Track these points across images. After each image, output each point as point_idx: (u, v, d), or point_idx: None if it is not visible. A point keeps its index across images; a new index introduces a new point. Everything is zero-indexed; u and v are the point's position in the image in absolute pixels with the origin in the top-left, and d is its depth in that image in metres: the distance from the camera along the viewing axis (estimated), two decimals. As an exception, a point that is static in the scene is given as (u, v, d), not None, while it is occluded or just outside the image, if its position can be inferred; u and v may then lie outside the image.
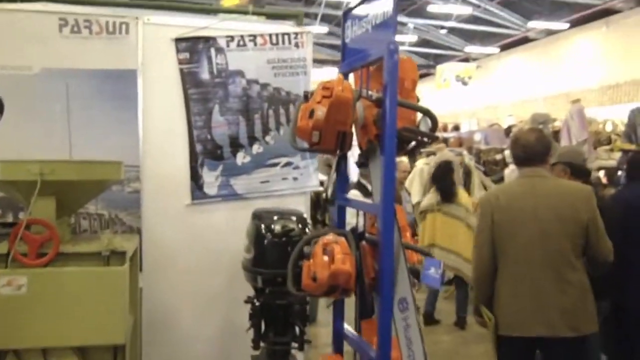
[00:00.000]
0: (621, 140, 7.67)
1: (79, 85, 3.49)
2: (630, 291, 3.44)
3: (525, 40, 19.09)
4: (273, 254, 3.09)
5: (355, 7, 2.60)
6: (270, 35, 3.79)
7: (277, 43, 3.81)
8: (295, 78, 3.85)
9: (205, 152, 3.69)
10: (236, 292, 3.51)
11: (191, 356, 3.76)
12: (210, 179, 3.70)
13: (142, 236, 3.55)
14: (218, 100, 3.70)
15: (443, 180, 6.07)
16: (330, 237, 2.31)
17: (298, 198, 3.89)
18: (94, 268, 2.84)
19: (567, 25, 16.91)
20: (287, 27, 3.93)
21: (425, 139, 2.33)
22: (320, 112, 2.19)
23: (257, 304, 3.13)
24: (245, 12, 4.07)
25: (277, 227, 3.14)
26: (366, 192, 5.11)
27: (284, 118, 3.85)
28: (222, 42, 3.69)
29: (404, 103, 2.23)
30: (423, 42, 20.51)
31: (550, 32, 17.92)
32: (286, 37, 3.83)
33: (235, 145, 3.76)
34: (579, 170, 3.67)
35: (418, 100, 2.45)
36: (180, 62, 3.63)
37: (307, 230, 3.19)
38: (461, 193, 6.15)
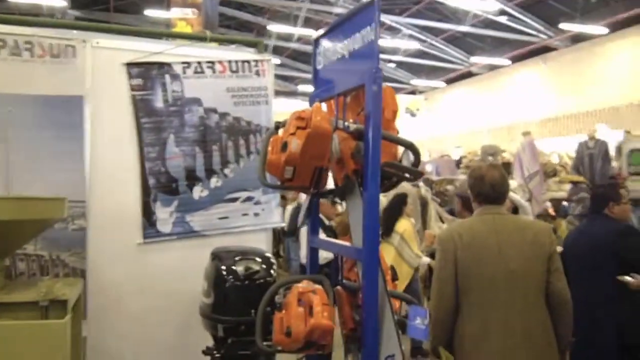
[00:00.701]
0: (570, 172, 7.71)
1: (20, 113, 3.09)
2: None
3: (469, 75, 19.52)
4: (236, 300, 2.77)
5: (328, 32, 2.36)
6: (229, 62, 3.51)
7: (237, 71, 3.52)
8: (257, 107, 3.57)
9: (159, 186, 3.33)
10: (192, 341, 3.15)
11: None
12: (164, 215, 3.34)
13: (86, 280, 3.15)
14: (173, 129, 3.37)
15: (385, 214, 5.85)
16: (305, 285, 2.01)
17: (259, 235, 3.57)
18: (30, 321, 2.44)
19: (509, 61, 17.38)
20: (248, 54, 3.66)
21: (408, 175, 2.09)
22: (295, 145, 1.91)
23: (218, 355, 2.77)
24: (203, 38, 3.78)
25: (239, 269, 2.81)
26: (323, 226, 4.84)
27: (244, 149, 3.55)
28: (177, 69, 3.38)
29: (388, 136, 1.98)
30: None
31: (492, 67, 18.38)
32: (246, 64, 3.55)
33: (192, 178, 3.42)
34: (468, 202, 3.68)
35: (397, 132, 2.21)
36: (132, 88, 3.29)
37: (272, 271, 2.88)
38: (401, 222, 5.91)
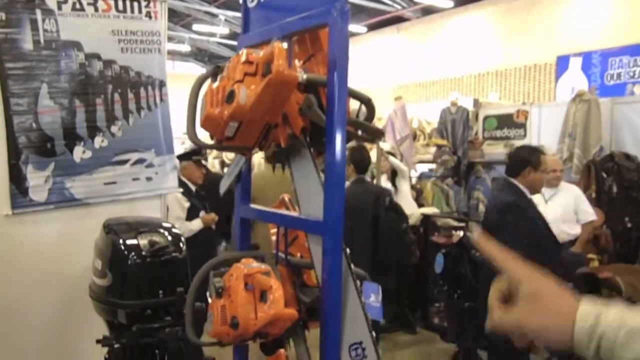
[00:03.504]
0: (434, 135, 7.91)
1: None
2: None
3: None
4: (140, 280, 2.27)
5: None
6: (115, 0, 2.88)
7: (124, 10, 2.91)
8: (148, 56, 2.99)
9: (31, 146, 2.67)
10: (81, 330, 2.60)
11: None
12: (39, 180, 2.69)
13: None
14: (46, 78, 2.70)
15: None
16: (250, 264, 1.61)
17: (153, 203, 3.05)
18: None
19: (365, 28, 17.59)
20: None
21: (366, 134, 1.76)
22: (244, 95, 1.48)
23: (118, 345, 2.28)
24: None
25: (143, 244, 2.31)
26: (189, 192, 4.37)
27: (134, 105, 2.98)
28: (51, 3, 2.69)
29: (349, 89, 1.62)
30: (231, 35, 19.84)
31: (350, 34, 18.47)
32: (135, 4, 2.94)
33: (71, 137, 2.79)
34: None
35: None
36: (-8, 25, 2.57)
37: (181, 245, 2.42)
38: None
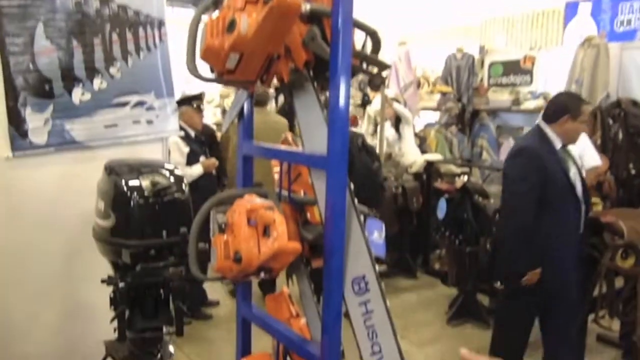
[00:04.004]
0: (439, 82, 7.80)
1: None
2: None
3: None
4: (142, 221, 2.28)
5: None
6: None
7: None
8: (146, -6, 2.91)
9: (28, 88, 2.62)
10: (83, 270, 2.64)
11: (27, 358, 2.80)
12: (38, 122, 2.66)
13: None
14: (42, 17, 2.62)
15: None
16: (254, 200, 1.60)
17: (154, 146, 3.03)
18: None
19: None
20: None
21: (373, 69, 1.71)
22: (245, 24, 1.43)
23: (123, 285, 2.30)
24: None
25: (145, 184, 2.31)
26: (188, 137, 4.34)
27: (133, 45, 2.91)
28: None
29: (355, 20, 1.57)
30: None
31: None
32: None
33: (70, 78, 2.73)
34: None
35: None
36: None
37: (183, 186, 2.41)
38: None
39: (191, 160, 4.28)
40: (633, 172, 5.46)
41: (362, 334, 1.58)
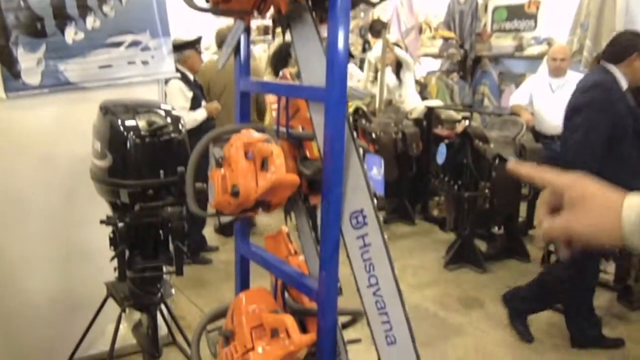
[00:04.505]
0: (441, 27, 7.64)
1: None
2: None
3: None
4: (139, 160, 2.26)
5: None
6: None
7: None
8: None
9: (20, 26, 2.55)
10: (81, 212, 2.64)
11: (28, 301, 2.84)
12: (31, 63, 2.61)
13: None
14: (29, -50, 2.54)
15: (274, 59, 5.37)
16: (251, 133, 1.59)
17: (150, 88, 2.97)
18: None
19: None
20: None
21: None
22: (241, -51, 1.38)
23: (122, 224, 2.31)
24: None
25: (141, 124, 2.28)
26: (188, 82, 4.28)
27: (125, -18, 2.82)
28: None
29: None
30: None
31: None
32: None
33: (62, 16, 2.66)
34: None
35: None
36: None
37: (180, 127, 2.39)
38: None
39: (193, 105, 4.25)
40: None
41: (359, 267, 1.58)
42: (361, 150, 1.62)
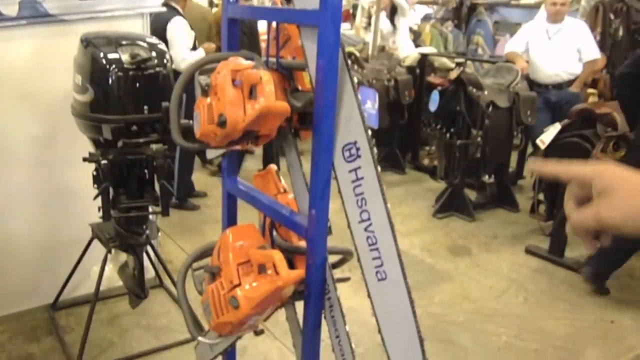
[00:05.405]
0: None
1: None
2: None
3: None
4: (122, 95, 2.16)
5: None
6: None
7: None
8: None
9: (-7, -49, 2.40)
10: (63, 149, 2.55)
11: (13, 242, 2.78)
12: (7, -8, 2.46)
13: None
14: None
15: None
16: (239, 60, 1.49)
17: (135, 21, 2.83)
18: None
19: None
20: None
21: None
22: None
23: (105, 161, 2.22)
24: None
25: (124, 57, 2.17)
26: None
27: None
28: None
29: None
30: None
31: None
32: None
33: (38, -58, 2.50)
34: None
35: None
36: None
37: (165, 60, 2.28)
38: None
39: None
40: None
41: (351, 202, 1.52)
42: (355, 80, 1.54)
